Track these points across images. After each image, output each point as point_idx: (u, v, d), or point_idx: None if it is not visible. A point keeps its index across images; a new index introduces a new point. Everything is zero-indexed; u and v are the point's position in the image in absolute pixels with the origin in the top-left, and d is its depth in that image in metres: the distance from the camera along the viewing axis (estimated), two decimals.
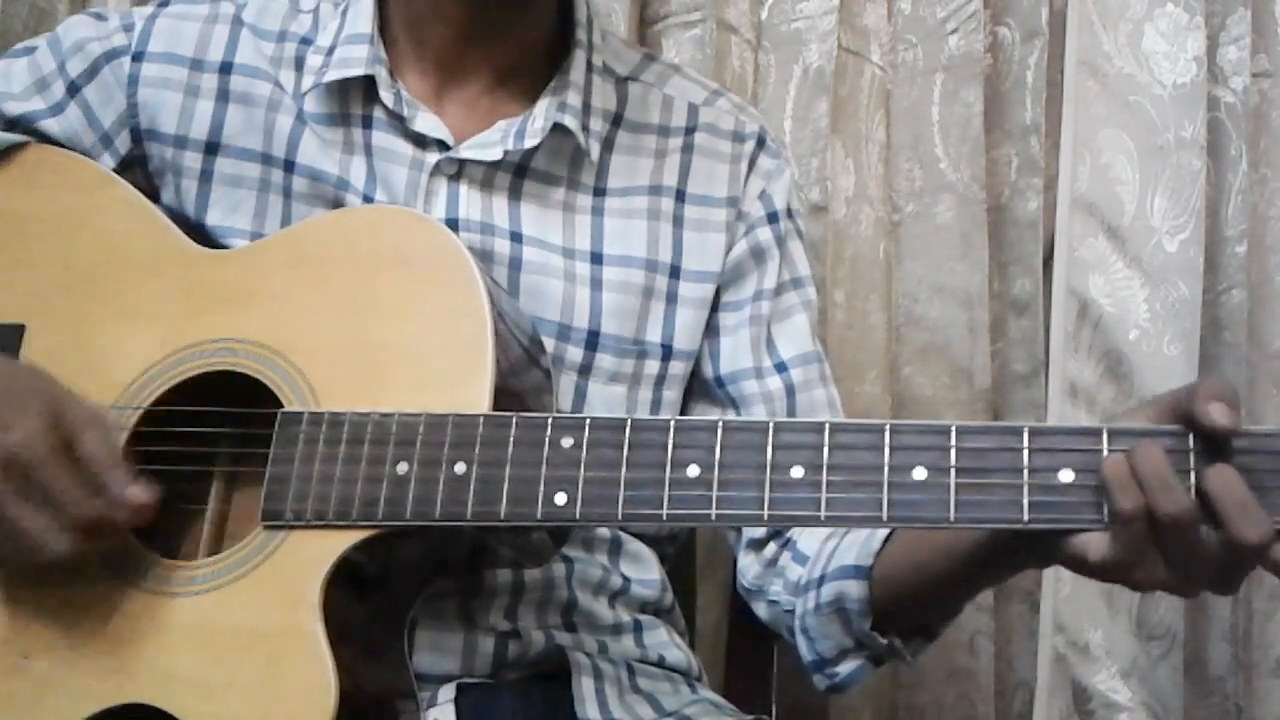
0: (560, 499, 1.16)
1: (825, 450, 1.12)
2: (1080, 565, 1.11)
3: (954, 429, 1.10)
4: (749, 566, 1.51)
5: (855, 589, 1.35)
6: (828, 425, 1.13)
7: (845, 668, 1.40)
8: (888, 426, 1.12)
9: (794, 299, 1.56)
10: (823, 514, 1.11)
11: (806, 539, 1.46)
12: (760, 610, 1.52)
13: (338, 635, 1.17)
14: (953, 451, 1.10)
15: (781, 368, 1.53)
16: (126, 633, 1.23)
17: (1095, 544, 1.09)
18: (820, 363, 1.56)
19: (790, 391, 1.53)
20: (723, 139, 1.55)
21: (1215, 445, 1.07)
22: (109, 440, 1.23)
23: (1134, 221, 2.05)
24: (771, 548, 1.49)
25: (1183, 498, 1.05)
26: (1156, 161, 2.05)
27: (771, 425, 1.14)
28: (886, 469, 1.11)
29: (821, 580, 1.40)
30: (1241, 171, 2.11)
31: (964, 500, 1.09)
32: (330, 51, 1.46)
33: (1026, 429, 1.10)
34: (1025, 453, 1.09)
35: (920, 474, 1.10)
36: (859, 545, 1.36)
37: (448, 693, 1.33)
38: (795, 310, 1.56)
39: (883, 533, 1.34)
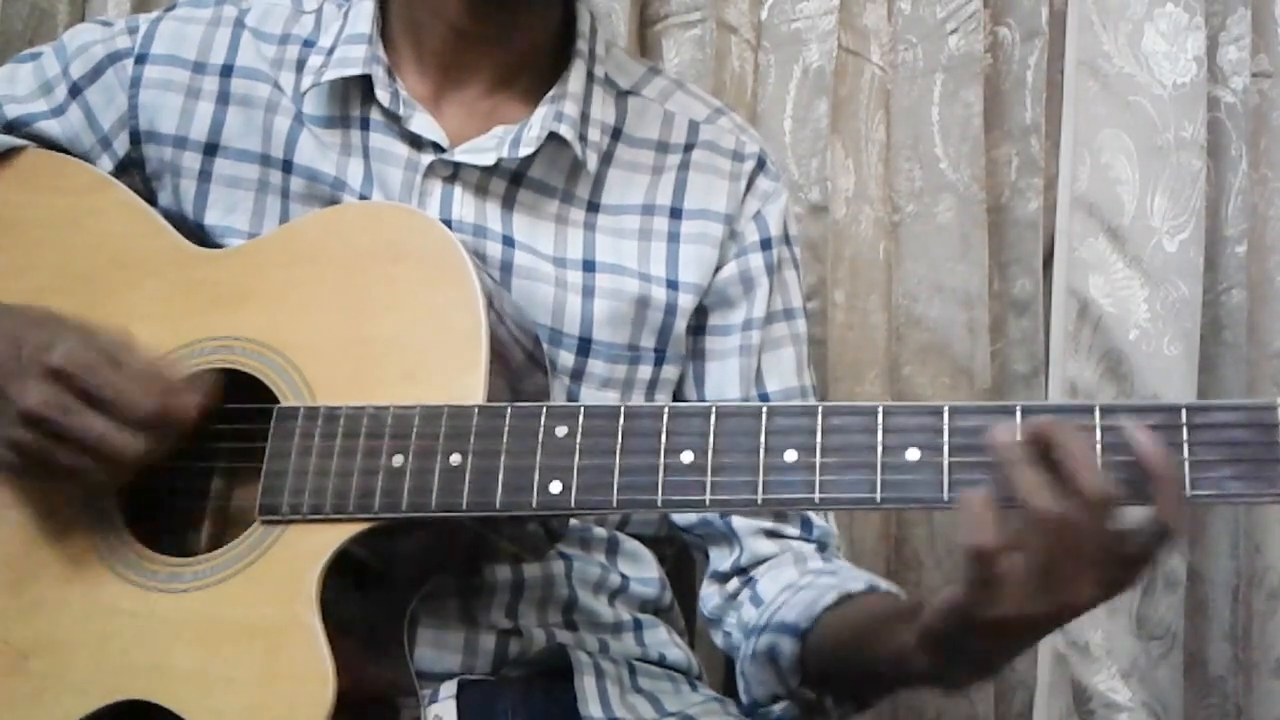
0: (555, 488, 1.16)
1: (818, 433, 1.13)
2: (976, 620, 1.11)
3: (946, 409, 1.11)
4: (710, 596, 1.52)
5: (788, 646, 1.37)
6: (820, 409, 1.14)
7: (776, 709, 1.42)
8: (880, 408, 1.12)
9: (784, 330, 1.55)
10: (817, 497, 1.12)
11: (767, 582, 1.47)
12: (718, 640, 1.53)
13: (336, 629, 1.18)
14: (945, 431, 1.10)
15: (765, 400, 1.53)
16: (125, 629, 1.24)
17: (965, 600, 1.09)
18: (804, 398, 1.56)
19: None
20: (722, 157, 1.54)
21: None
22: (144, 350, 1.27)
23: (1134, 221, 2.05)
24: (734, 582, 1.50)
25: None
26: (1156, 161, 2.05)
27: (765, 410, 1.15)
28: (880, 450, 1.11)
29: (763, 629, 1.41)
30: (1241, 171, 2.11)
31: (957, 480, 1.09)
32: (330, 52, 1.47)
33: (1019, 407, 1.10)
34: (1018, 431, 1.09)
35: (914, 455, 1.10)
36: (804, 605, 1.38)
37: (448, 690, 1.33)
38: (784, 343, 1.55)
39: (828, 600, 1.36)
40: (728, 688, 1.68)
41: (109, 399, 1.21)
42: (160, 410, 1.23)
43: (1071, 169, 2.07)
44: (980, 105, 2.05)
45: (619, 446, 1.16)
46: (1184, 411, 1.07)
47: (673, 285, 1.49)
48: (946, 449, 1.10)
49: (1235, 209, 2.12)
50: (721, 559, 1.51)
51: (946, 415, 1.11)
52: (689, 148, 1.54)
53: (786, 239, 1.57)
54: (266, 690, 1.18)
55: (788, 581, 1.44)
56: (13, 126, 1.52)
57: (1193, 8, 2.06)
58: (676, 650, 1.52)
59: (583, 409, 1.18)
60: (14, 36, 1.85)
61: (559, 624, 1.44)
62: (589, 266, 1.47)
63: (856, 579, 1.42)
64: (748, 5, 2.04)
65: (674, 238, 1.50)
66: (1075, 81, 2.08)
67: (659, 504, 1.15)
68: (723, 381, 1.52)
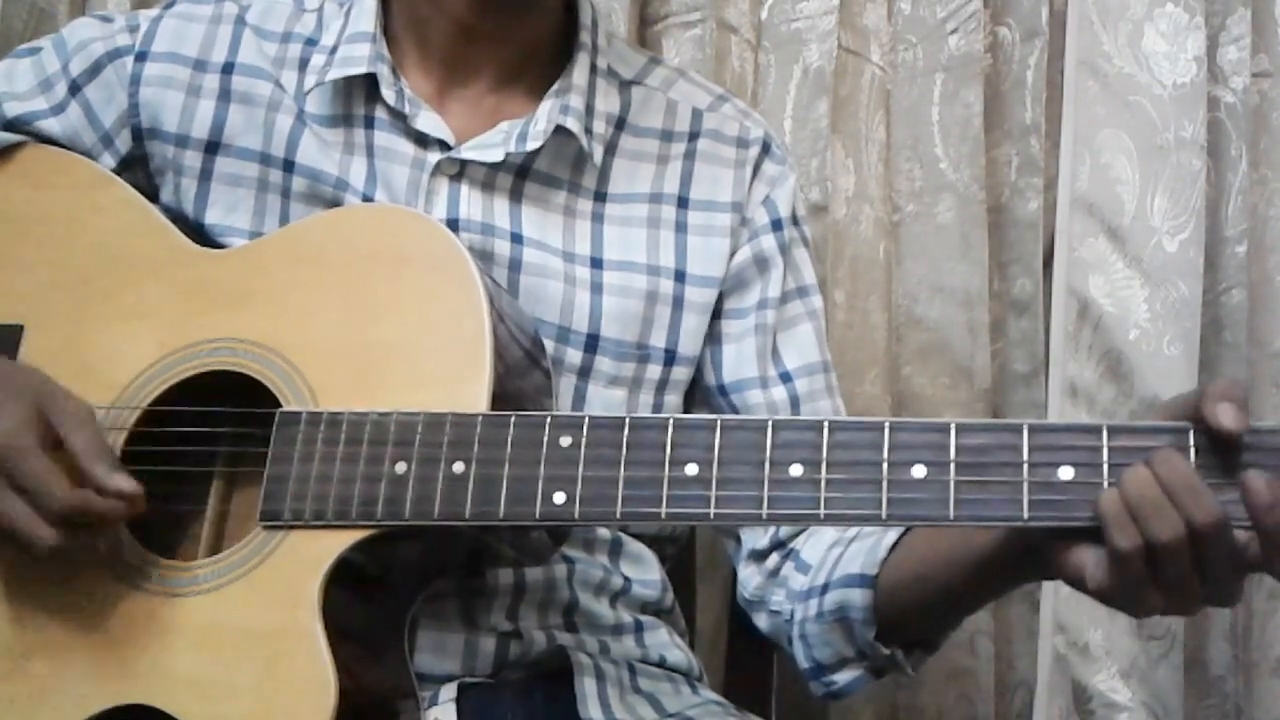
0: (559, 498, 1.16)
1: (824, 448, 1.12)
2: (1079, 588, 1.12)
3: (953, 426, 1.10)
4: (750, 578, 1.51)
5: (860, 598, 1.35)
6: (826, 423, 1.13)
7: (843, 676, 1.41)
8: (887, 424, 1.12)
9: (799, 308, 1.55)
10: (822, 512, 1.11)
11: (810, 548, 1.45)
12: (761, 622, 1.52)
13: (337, 635, 1.18)
14: (952, 449, 1.10)
15: (786, 378, 1.53)
16: (126, 633, 1.24)
17: (1092, 571, 1.10)
18: (827, 372, 1.56)
19: (794, 402, 1.52)
20: (727, 144, 1.54)
21: (1220, 443, 1.07)
22: (97, 435, 1.25)
23: (1134, 221, 2.05)
24: (774, 558, 1.49)
25: (1177, 522, 1.06)
26: (1156, 161, 2.05)
27: (770, 423, 1.15)
28: (886, 467, 1.11)
29: (825, 588, 1.40)
30: (1241, 171, 2.11)
31: (963, 498, 1.09)
32: (333, 50, 1.47)
33: (1026, 426, 1.10)
34: (1025, 450, 1.09)
35: (920, 472, 1.10)
36: (864, 554, 1.36)
37: (449, 692, 1.33)
38: (801, 320, 1.55)
39: (889, 541, 1.34)
40: (728, 689, 1.68)
41: (32, 487, 1.20)
42: (77, 509, 1.21)
43: (1071, 169, 2.07)
44: (980, 105, 2.05)
45: (623, 458, 1.16)
46: (1190, 434, 1.08)
47: (680, 277, 1.49)
48: (953, 467, 1.10)
49: (1235, 209, 2.12)
50: (757, 536, 1.50)
51: (953, 432, 1.10)
52: (694, 136, 1.54)
53: (796, 219, 1.57)
54: (267, 696, 1.17)
55: (832, 540, 1.43)
56: (13, 125, 1.52)
57: (1193, 8, 2.06)
58: (677, 652, 1.52)
59: (587, 419, 1.18)
60: (14, 36, 1.84)
61: (559, 626, 1.44)
62: (597, 263, 1.47)
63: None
64: (748, 5, 2.04)
65: (681, 228, 1.50)
66: (1075, 81, 2.07)
67: (663, 516, 1.15)
68: (739, 363, 1.52)
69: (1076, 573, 1.11)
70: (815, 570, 1.42)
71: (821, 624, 1.40)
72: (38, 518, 1.20)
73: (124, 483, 1.21)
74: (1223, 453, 1.07)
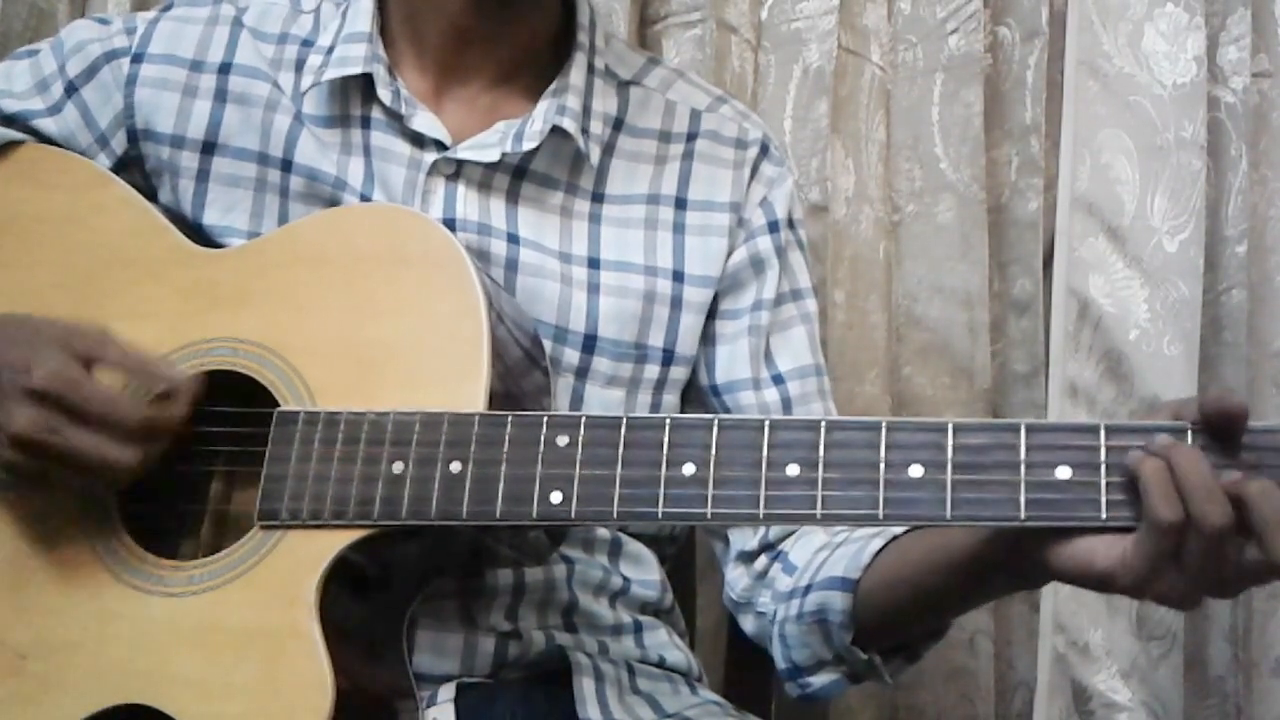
0: (556, 498, 1.16)
1: (821, 448, 1.12)
2: (1084, 575, 1.10)
3: (950, 426, 1.10)
4: (738, 579, 1.51)
5: (839, 600, 1.35)
6: (823, 423, 1.13)
7: (819, 679, 1.40)
8: (884, 424, 1.12)
9: (793, 311, 1.55)
10: (819, 512, 1.11)
11: (798, 551, 1.45)
12: (747, 624, 1.52)
13: (334, 635, 1.18)
14: (949, 449, 1.10)
15: (779, 380, 1.53)
16: (124, 633, 1.23)
17: (1105, 552, 1.08)
18: (819, 376, 1.56)
19: (786, 404, 1.52)
20: (725, 145, 1.54)
21: (1218, 442, 1.07)
22: (127, 345, 1.27)
23: (1134, 221, 2.05)
24: (762, 560, 1.49)
25: (1229, 509, 1.04)
26: (1156, 161, 2.05)
27: (767, 423, 1.14)
28: (883, 466, 1.11)
29: (808, 589, 1.40)
30: (1241, 171, 2.11)
31: (960, 498, 1.09)
32: (330, 51, 1.47)
33: (1023, 425, 1.10)
34: (1022, 449, 1.09)
35: (917, 471, 1.10)
36: (848, 558, 1.36)
37: (447, 693, 1.33)
38: (794, 323, 1.55)
39: (875, 546, 1.34)
40: (727, 689, 1.69)
41: (94, 414, 1.21)
42: (146, 419, 1.23)
43: (1071, 169, 2.07)
44: (980, 105, 2.05)
45: (620, 457, 1.16)
46: (1189, 433, 1.07)
47: (679, 278, 1.49)
48: (950, 467, 1.10)
49: (1235, 209, 2.12)
50: (745, 538, 1.50)
51: (950, 432, 1.10)
52: (692, 137, 1.54)
53: (792, 222, 1.57)
54: (265, 696, 1.17)
55: (820, 544, 1.43)
56: (10, 123, 1.52)
57: (1193, 8, 2.06)
58: (676, 652, 1.52)
59: (584, 419, 1.18)
60: (14, 37, 1.85)
61: (558, 626, 1.44)
62: (594, 264, 1.47)
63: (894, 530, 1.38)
64: (748, 5, 2.04)
65: (679, 228, 1.50)
66: (1075, 81, 2.07)
67: (659, 516, 1.15)
68: (732, 364, 1.52)
69: (1084, 559, 1.09)
70: (801, 572, 1.42)
71: (801, 625, 1.40)
72: (114, 441, 1.21)
73: (184, 372, 1.27)
74: (1220, 452, 1.07)
